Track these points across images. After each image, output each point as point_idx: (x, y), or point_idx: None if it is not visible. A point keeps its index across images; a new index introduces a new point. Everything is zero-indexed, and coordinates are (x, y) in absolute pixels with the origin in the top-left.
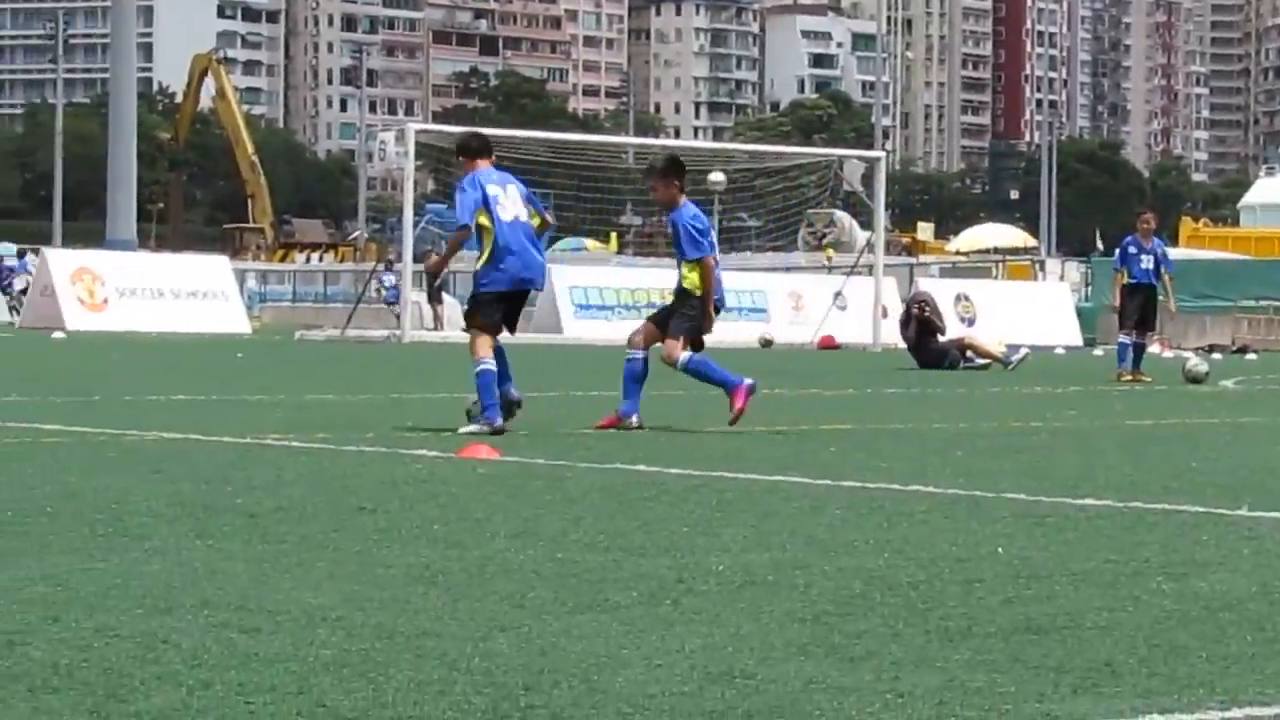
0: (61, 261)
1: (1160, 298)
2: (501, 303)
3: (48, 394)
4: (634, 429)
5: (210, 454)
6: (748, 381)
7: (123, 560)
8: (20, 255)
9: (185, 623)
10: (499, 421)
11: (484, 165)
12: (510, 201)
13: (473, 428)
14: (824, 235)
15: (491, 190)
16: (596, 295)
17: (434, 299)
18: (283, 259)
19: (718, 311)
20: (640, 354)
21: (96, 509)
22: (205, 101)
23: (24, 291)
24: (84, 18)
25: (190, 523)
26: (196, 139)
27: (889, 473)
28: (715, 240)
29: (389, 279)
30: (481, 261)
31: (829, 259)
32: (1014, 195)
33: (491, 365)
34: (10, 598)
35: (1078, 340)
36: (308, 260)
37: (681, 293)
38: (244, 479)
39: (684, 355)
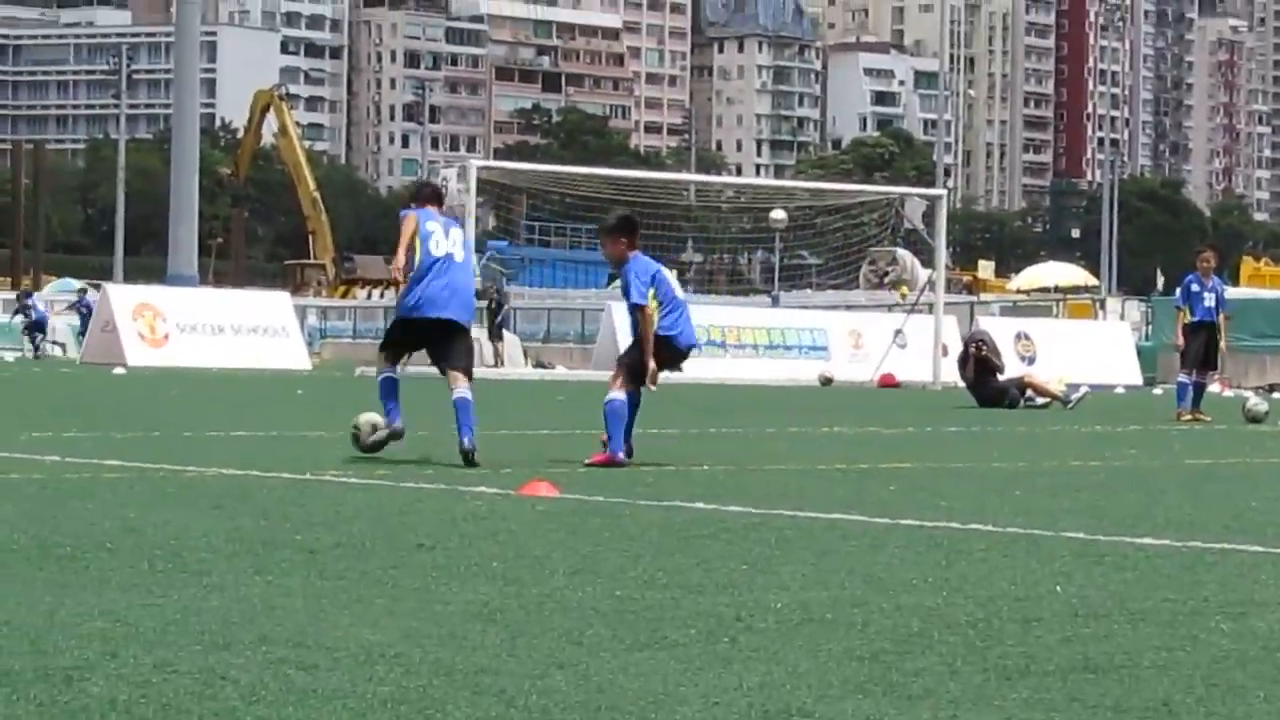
0: (123, 297)
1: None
2: (399, 326)
3: (108, 429)
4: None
5: (269, 490)
6: (620, 455)
7: (182, 596)
8: (82, 292)
9: (244, 659)
10: (398, 423)
11: (431, 209)
12: (448, 241)
13: (380, 435)
14: (886, 273)
15: (430, 226)
16: None
17: (494, 335)
18: (344, 295)
19: (684, 356)
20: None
21: (156, 544)
22: (267, 137)
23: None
24: (147, 53)
25: (249, 559)
26: (258, 175)
27: (948, 511)
28: (674, 290)
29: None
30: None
31: (903, 297)
32: (1075, 234)
33: (392, 374)
34: (70, 633)
35: (1138, 379)
36: (369, 296)
37: (633, 338)
38: (303, 515)
39: (613, 394)
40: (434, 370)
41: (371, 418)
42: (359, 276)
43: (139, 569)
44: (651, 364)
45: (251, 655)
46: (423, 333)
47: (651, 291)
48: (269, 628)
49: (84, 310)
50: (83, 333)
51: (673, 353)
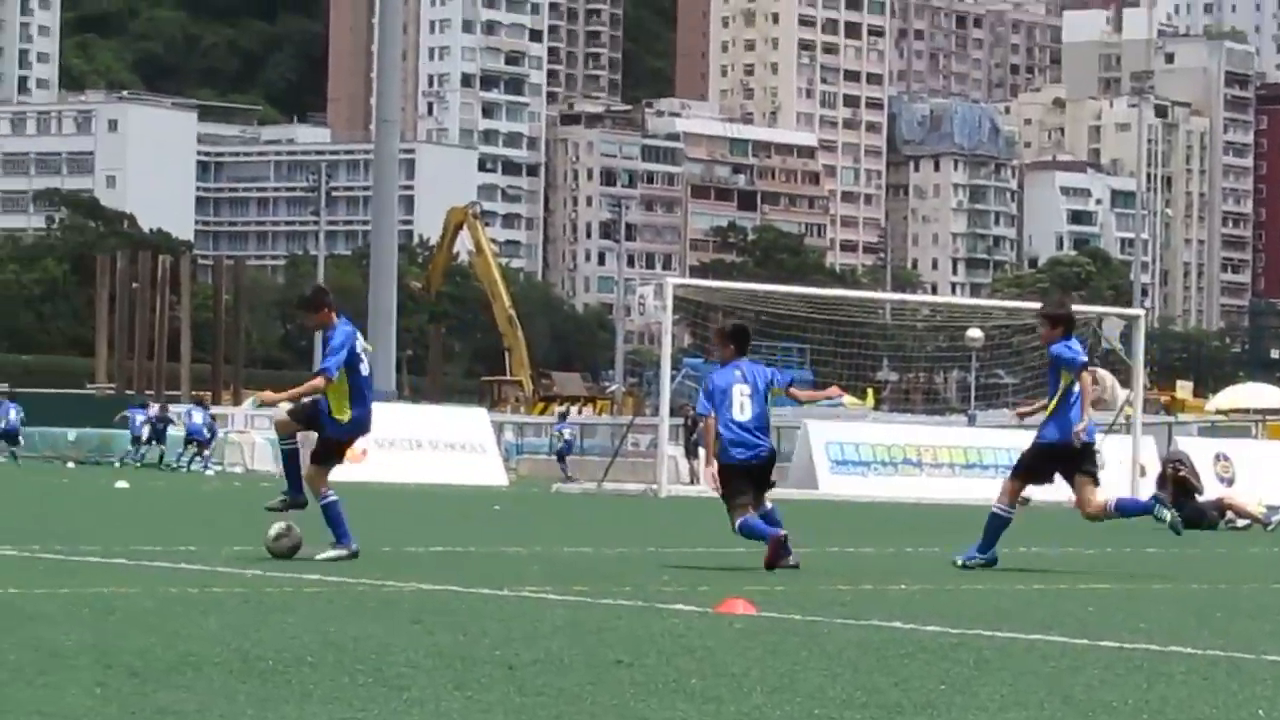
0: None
1: None
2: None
3: (308, 543)
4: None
5: (468, 605)
6: (779, 532)
7: (382, 711)
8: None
9: None
10: (354, 545)
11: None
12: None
13: (331, 554)
14: None
15: (360, 345)
16: (853, 451)
17: (690, 453)
18: (542, 412)
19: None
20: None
21: (356, 659)
22: (462, 255)
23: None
24: (346, 170)
25: (448, 674)
26: (455, 291)
27: (1147, 633)
28: (730, 400)
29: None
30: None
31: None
32: (1275, 354)
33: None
34: None
35: None
36: (566, 413)
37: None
38: (501, 630)
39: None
40: (627, 487)
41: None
42: (556, 394)
43: (340, 683)
44: (712, 468)
45: None
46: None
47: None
48: None
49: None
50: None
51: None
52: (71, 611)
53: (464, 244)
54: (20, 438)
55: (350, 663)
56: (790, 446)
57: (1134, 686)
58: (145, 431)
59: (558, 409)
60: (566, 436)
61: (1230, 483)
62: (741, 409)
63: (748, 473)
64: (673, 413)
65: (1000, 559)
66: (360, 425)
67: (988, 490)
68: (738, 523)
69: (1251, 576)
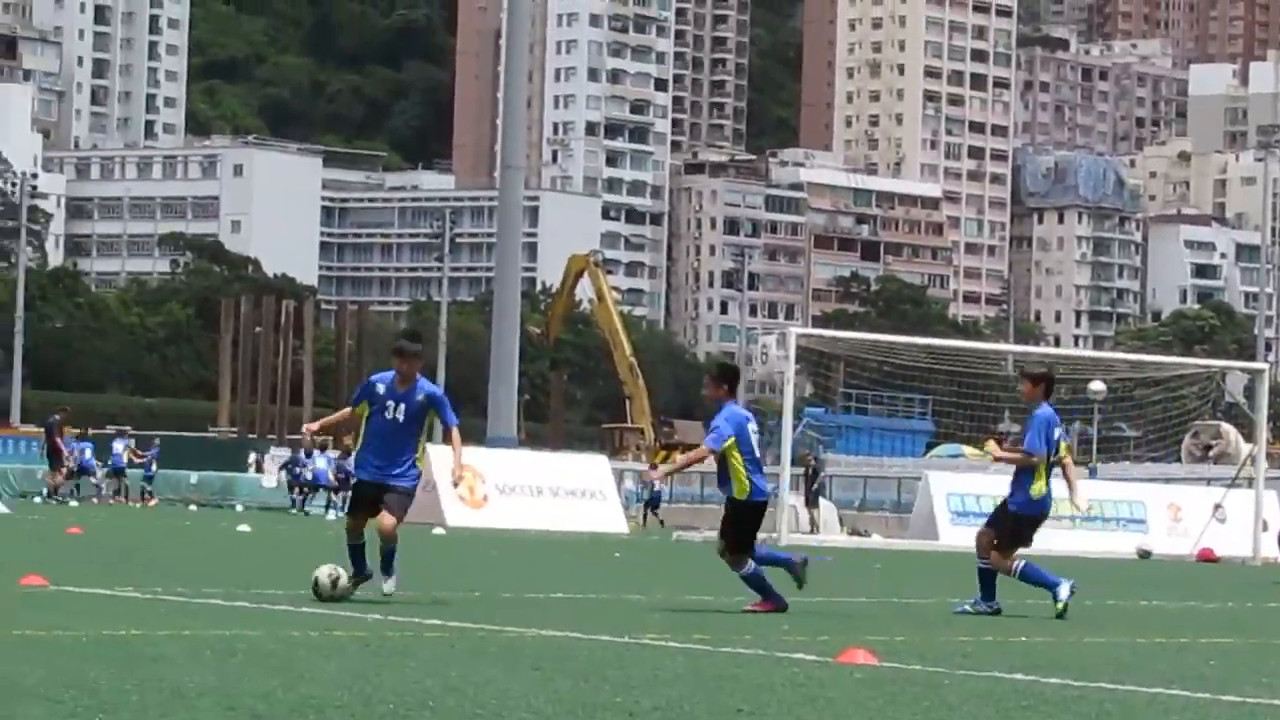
0: (443, 458)
1: None
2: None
3: (429, 588)
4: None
5: (589, 652)
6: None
7: None
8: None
9: None
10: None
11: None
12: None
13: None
14: (1210, 446)
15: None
16: (974, 503)
17: (810, 502)
18: (664, 460)
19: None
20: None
21: (477, 704)
22: (584, 303)
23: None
24: (470, 216)
25: None
26: (577, 339)
27: (1270, 688)
28: (753, 444)
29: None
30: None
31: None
32: None
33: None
34: None
35: None
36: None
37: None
38: (622, 678)
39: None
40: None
41: (329, 570)
42: (678, 441)
43: None
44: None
45: None
46: None
47: (732, 440)
48: None
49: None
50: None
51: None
52: (194, 653)
53: (586, 292)
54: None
55: (471, 708)
56: (911, 497)
57: None
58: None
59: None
60: (656, 487)
61: None
62: (757, 447)
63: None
64: (793, 462)
65: (1122, 611)
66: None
67: (1109, 543)
68: (750, 566)
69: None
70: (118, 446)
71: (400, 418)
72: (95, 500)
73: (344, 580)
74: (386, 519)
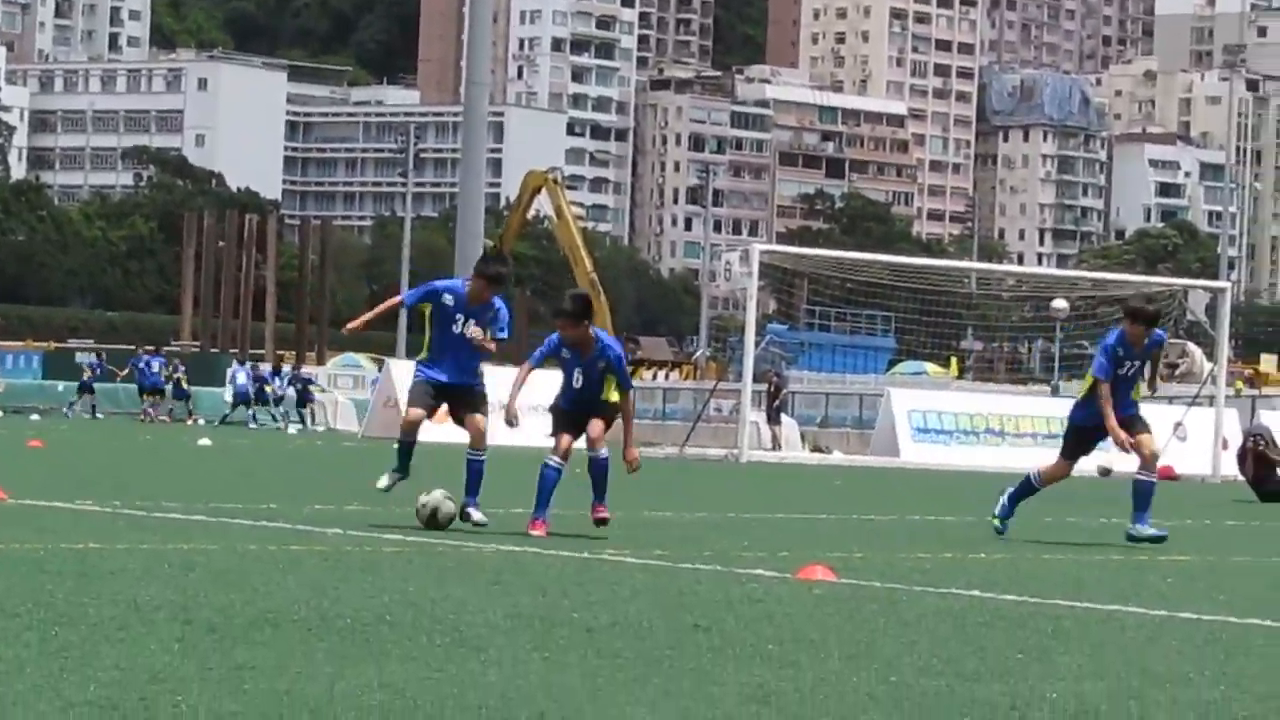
0: (405, 373)
1: None
2: None
3: (389, 504)
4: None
5: (548, 568)
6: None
7: (459, 671)
8: (275, 369)
9: None
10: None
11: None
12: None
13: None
14: (1176, 365)
15: None
16: (935, 420)
17: (772, 419)
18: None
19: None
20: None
21: (435, 619)
22: (545, 220)
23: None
24: (435, 132)
25: (527, 635)
26: (541, 254)
27: (1227, 605)
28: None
29: None
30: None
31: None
32: None
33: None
34: (349, 704)
35: None
36: (654, 378)
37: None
38: (581, 593)
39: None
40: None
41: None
42: (644, 358)
43: (418, 643)
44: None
45: None
46: None
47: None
48: (546, 704)
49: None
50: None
51: None
52: (152, 567)
53: (548, 208)
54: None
55: (428, 623)
56: (873, 414)
57: (1212, 658)
58: (253, 390)
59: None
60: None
61: None
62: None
63: None
64: (756, 379)
65: (1081, 529)
66: None
67: None
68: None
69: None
70: (154, 365)
71: (467, 333)
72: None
73: (449, 506)
74: (479, 420)
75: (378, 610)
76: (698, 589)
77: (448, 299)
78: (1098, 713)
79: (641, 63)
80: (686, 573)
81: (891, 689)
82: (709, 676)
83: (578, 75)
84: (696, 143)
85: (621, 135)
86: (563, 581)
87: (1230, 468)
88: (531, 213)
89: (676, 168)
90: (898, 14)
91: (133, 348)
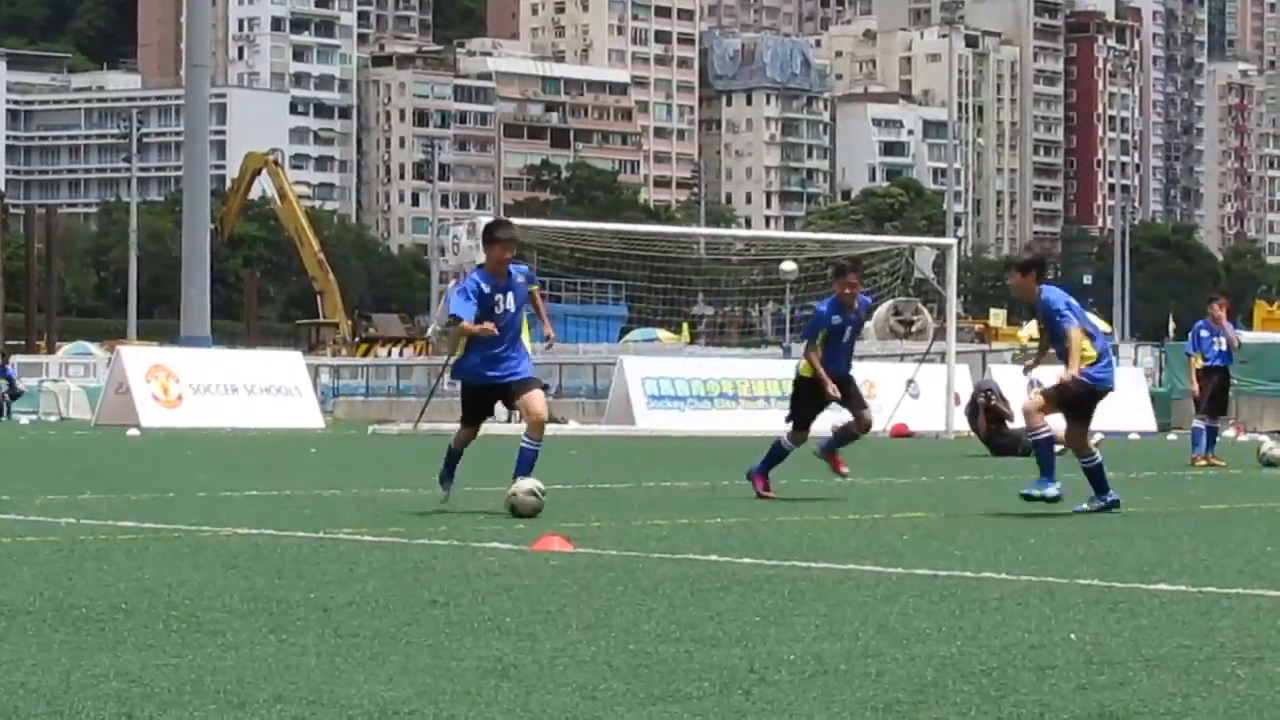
0: (137, 359)
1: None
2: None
3: (124, 491)
4: None
5: (284, 549)
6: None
7: (197, 656)
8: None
9: (258, 717)
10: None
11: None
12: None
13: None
14: (912, 322)
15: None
16: (669, 386)
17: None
18: (364, 354)
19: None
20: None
21: (171, 605)
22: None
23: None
24: (158, 116)
25: (264, 617)
26: (270, 236)
27: (962, 560)
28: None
29: None
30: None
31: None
32: (1087, 281)
33: None
34: (86, 694)
35: (1152, 426)
36: (389, 355)
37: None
38: (317, 573)
39: None
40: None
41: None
42: (377, 335)
43: (154, 629)
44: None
45: (266, 714)
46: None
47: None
48: (283, 686)
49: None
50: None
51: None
52: None
53: (271, 189)
54: None
55: (164, 609)
56: (607, 383)
57: (948, 613)
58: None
59: None
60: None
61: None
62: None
63: None
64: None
65: (816, 489)
66: None
67: None
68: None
69: (1065, 502)
70: None
71: (511, 307)
72: None
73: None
74: (539, 405)
75: (113, 599)
76: (434, 564)
77: (484, 286)
78: (836, 672)
79: (363, 39)
80: (422, 549)
81: (630, 657)
82: (446, 651)
83: (299, 54)
84: (421, 118)
85: (345, 113)
86: (299, 563)
87: (964, 423)
88: (255, 194)
89: (402, 143)
90: None
91: None
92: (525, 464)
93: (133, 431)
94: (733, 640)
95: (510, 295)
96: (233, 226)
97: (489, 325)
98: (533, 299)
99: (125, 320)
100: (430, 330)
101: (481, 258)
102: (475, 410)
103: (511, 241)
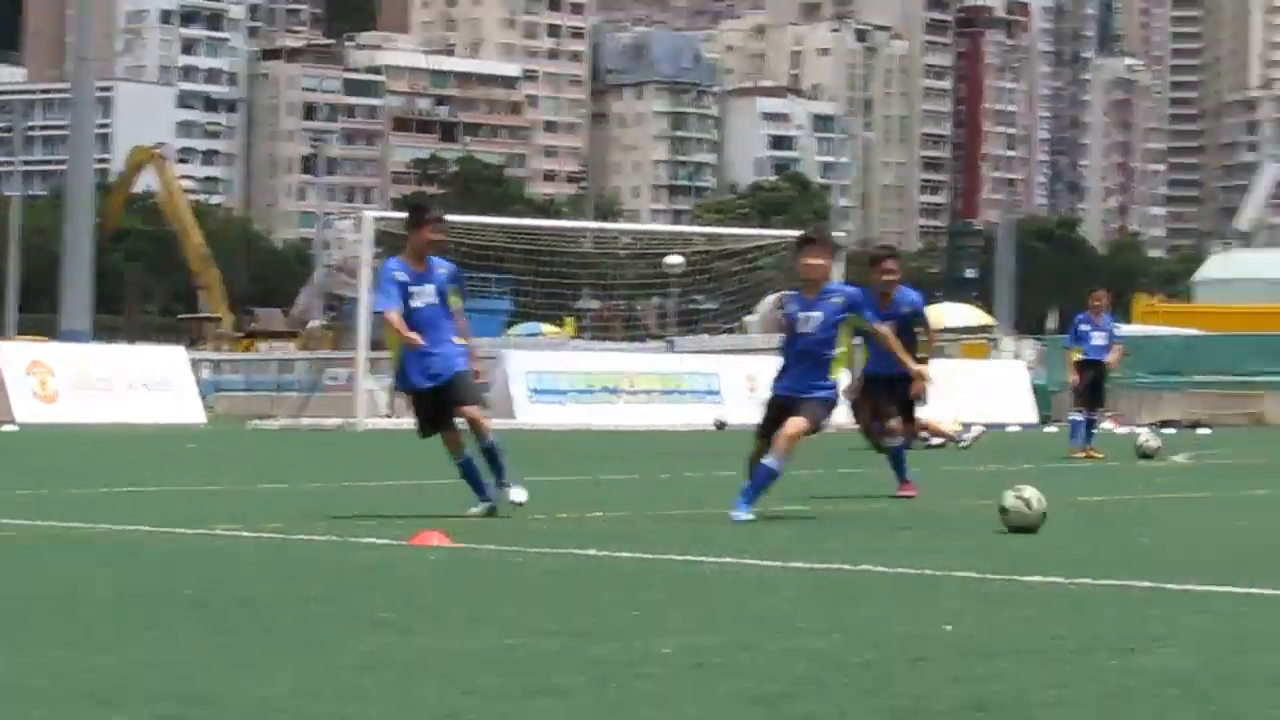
0: (13, 354)
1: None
2: None
3: None
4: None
5: (160, 545)
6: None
7: (70, 654)
8: None
9: (133, 716)
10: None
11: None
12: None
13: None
14: None
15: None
16: (551, 380)
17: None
18: (248, 348)
19: None
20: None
21: (42, 602)
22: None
23: None
24: (43, 109)
25: (138, 614)
26: (154, 229)
27: (839, 553)
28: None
29: None
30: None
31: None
32: (971, 274)
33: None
34: None
35: (1033, 418)
36: (269, 349)
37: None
38: (194, 569)
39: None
40: None
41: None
42: (261, 329)
43: (26, 627)
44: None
45: (140, 712)
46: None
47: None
48: (158, 684)
49: None
50: None
51: None
52: None
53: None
54: None
55: (35, 606)
56: (489, 376)
57: (824, 606)
58: None
59: None
60: None
61: (925, 401)
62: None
63: None
64: (372, 346)
65: (698, 483)
66: None
67: (687, 416)
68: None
69: (944, 495)
70: None
71: (434, 300)
72: None
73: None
74: (471, 410)
75: None
76: (312, 560)
77: (400, 274)
78: (711, 665)
79: (253, 33)
80: (301, 545)
81: (507, 651)
82: (322, 646)
83: (187, 47)
84: (309, 111)
85: (233, 107)
86: (176, 559)
87: (847, 416)
88: (140, 188)
89: (290, 137)
90: None
91: None
92: (499, 467)
93: (8, 427)
94: (610, 634)
95: (430, 287)
96: (117, 221)
97: (415, 337)
98: (453, 304)
99: (3, 315)
100: (313, 323)
101: (367, 252)
102: (433, 416)
103: (440, 222)
